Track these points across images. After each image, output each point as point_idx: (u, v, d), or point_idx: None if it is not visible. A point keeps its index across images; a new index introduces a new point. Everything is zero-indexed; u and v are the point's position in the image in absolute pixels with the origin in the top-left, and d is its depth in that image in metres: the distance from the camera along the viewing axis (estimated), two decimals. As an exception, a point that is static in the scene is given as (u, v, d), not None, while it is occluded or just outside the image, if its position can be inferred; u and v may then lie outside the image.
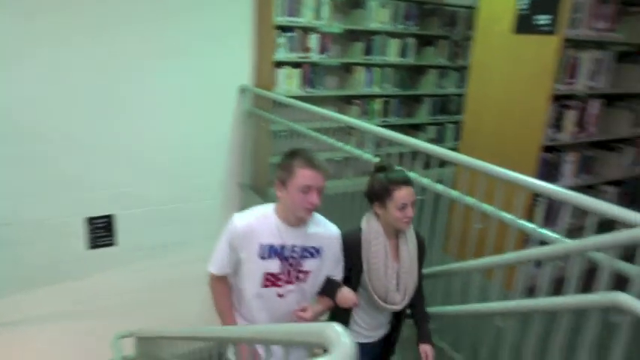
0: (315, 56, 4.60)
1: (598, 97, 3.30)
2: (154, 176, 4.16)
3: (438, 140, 5.56)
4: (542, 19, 2.88)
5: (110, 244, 4.17)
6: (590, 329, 1.67)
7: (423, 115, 5.51)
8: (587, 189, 3.43)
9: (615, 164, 3.58)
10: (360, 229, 2.03)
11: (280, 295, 1.89)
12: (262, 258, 1.83)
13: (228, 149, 4.49)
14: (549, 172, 3.19)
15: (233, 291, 1.98)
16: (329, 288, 1.96)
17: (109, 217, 4.11)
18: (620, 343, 1.58)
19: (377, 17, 4.89)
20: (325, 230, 1.94)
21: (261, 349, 1.54)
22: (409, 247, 2.03)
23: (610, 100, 3.47)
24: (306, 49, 4.54)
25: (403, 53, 5.15)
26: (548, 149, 3.15)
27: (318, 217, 1.94)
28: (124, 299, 4.08)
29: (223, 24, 4.15)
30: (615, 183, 3.71)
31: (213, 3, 4.04)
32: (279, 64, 4.43)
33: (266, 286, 1.87)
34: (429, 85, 5.44)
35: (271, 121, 4.12)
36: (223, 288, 1.97)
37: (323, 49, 4.65)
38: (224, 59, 4.23)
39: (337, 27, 4.78)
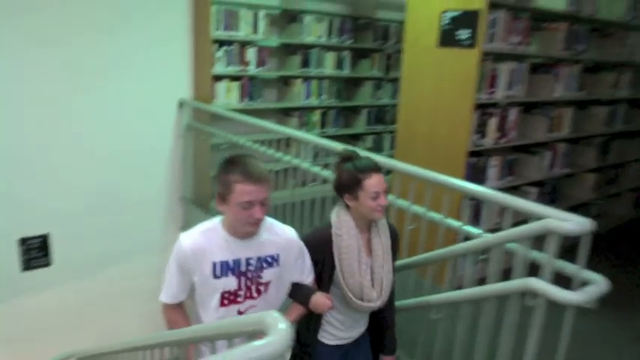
0: (253, 69, 4.69)
1: (516, 105, 3.58)
2: (92, 192, 4.07)
3: (376, 149, 5.77)
4: (463, 34, 3.12)
5: (46, 265, 4.03)
6: (511, 314, 1.84)
7: (360, 125, 5.71)
8: (512, 190, 3.70)
9: (535, 167, 3.88)
10: (329, 225, 1.93)
11: (241, 313, 1.78)
12: (217, 277, 1.72)
13: (169, 163, 4.47)
14: (476, 176, 3.43)
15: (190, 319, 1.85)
16: (300, 294, 1.87)
17: (43, 236, 3.98)
18: (536, 324, 1.76)
19: (312, 31, 5.05)
20: (280, 235, 1.83)
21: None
22: (382, 239, 1.95)
23: (527, 107, 3.77)
24: (244, 63, 4.62)
25: (339, 66, 5.33)
26: (474, 154, 3.39)
27: (271, 221, 1.83)
28: (62, 320, 3.95)
29: (161, 39, 4.15)
30: (537, 184, 4.02)
31: (151, 19, 4.04)
32: (218, 78, 4.49)
33: (224, 304, 1.76)
34: (365, 96, 5.65)
35: (211, 134, 4.16)
36: (179, 317, 1.83)
37: (261, 63, 4.75)
38: (162, 74, 4.22)
39: (274, 41, 4.90)
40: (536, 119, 3.78)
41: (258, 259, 1.76)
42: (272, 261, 1.79)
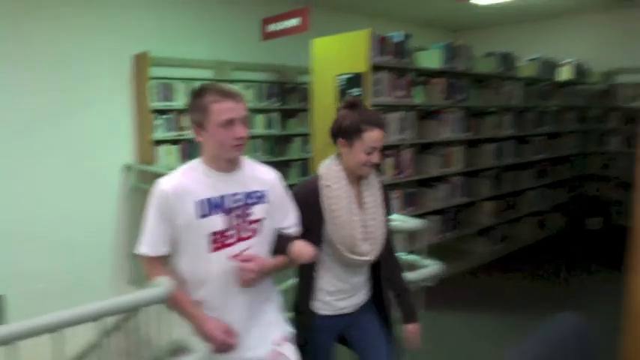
0: (191, 134, 5.27)
1: (411, 147, 4.29)
2: (43, 253, 4.46)
3: (310, 197, 6.35)
4: (355, 92, 3.84)
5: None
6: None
7: (293, 177, 6.32)
8: (417, 218, 4.33)
9: (434, 197, 4.56)
10: (317, 177, 1.87)
11: (237, 257, 1.63)
12: (202, 216, 1.59)
13: (117, 222, 4.92)
14: (382, 207, 4.04)
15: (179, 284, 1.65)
16: (282, 244, 1.73)
17: (-1, 297, 4.29)
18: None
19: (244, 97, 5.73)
20: (263, 172, 1.76)
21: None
22: (373, 192, 1.91)
23: (422, 147, 4.49)
24: (182, 128, 5.21)
25: (269, 126, 6.01)
26: (377, 189, 4.03)
27: (251, 160, 1.77)
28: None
29: (107, 112, 4.76)
30: (439, 212, 4.69)
31: (99, 96, 4.67)
32: (159, 142, 5.05)
33: (215, 249, 1.61)
34: (295, 151, 6.32)
35: (154, 191, 4.66)
36: (161, 273, 1.62)
37: (198, 127, 5.35)
38: (108, 142, 4.80)
39: (209, 108, 5.53)
40: (430, 157, 4.50)
41: (245, 194, 1.67)
42: (259, 197, 1.69)
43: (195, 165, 1.67)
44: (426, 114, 4.56)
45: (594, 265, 5.17)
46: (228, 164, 1.65)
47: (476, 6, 5.94)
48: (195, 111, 1.61)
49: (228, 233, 1.62)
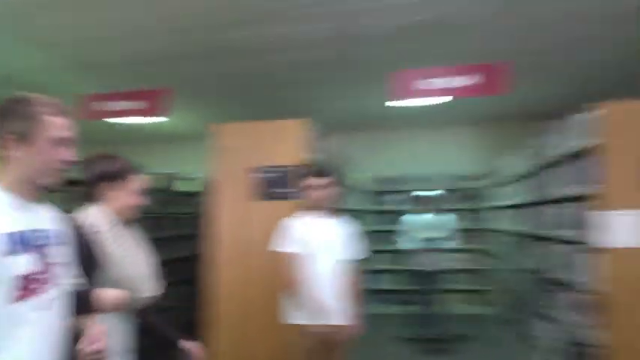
0: None
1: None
2: None
3: None
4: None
5: None
6: None
7: None
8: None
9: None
10: (77, 227, 1.70)
11: (43, 310, 1.31)
12: (7, 255, 1.22)
13: None
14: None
15: None
16: (88, 300, 1.56)
17: None
18: None
19: None
20: (52, 211, 1.45)
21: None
22: (135, 231, 1.97)
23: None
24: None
25: None
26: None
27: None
28: None
29: None
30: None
31: None
32: None
33: (21, 297, 1.25)
34: None
35: None
36: None
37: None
38: None
39: None
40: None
41: (51, 231, 1.39)
42: (62, 238, 1.44)
43: None
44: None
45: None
46: (35, 192, 1.36)
47: (114, 124, 6.58)
48: (15, 119, 1.30)
49: (38, 277, 1.29)
